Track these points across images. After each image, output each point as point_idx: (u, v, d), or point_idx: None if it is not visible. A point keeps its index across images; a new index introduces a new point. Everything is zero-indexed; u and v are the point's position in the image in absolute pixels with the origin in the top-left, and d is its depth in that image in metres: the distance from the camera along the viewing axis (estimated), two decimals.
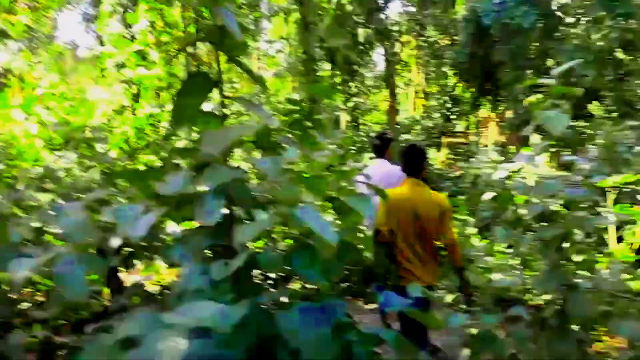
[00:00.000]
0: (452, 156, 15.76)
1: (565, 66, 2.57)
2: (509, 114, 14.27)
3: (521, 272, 2.74)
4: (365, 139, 13.76)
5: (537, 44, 12.70)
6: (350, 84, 16.24)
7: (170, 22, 9.78)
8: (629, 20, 10.66)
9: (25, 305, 2.74)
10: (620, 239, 6.96)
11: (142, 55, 8.72)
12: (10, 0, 11.60)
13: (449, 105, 16.73)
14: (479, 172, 8.87)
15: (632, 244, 6.65)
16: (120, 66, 8.78)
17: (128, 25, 10.11)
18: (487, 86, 15.19)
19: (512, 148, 16.03)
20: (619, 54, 11.28)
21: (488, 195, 9.34)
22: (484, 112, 18.27)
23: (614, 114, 11.28)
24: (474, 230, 6.16)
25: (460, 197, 8.98)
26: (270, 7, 17.98)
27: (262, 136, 1.55)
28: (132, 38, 9.79)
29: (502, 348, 2.61)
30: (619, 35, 10.57)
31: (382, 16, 16.04)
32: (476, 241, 5.85)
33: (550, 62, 12.45)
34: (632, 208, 7.14)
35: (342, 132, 13.78)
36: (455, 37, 15.63)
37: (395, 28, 17.19)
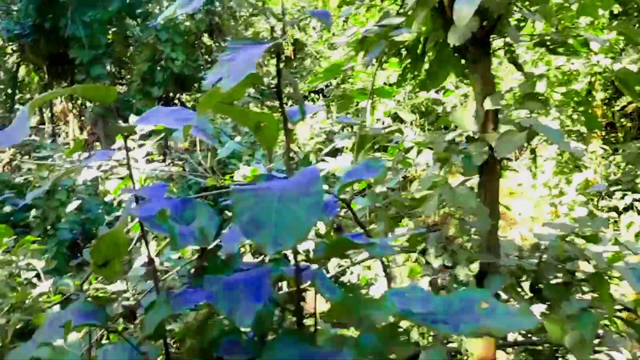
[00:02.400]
0: (20, 156, 12.40)
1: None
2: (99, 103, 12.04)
3: None
4: None
5: (118, 19, 10.95)
6: None
7: None
8: (215, 2, 10.11)
9: None
10: None
11: None
12: None
13: (10, 91, 13.15)
14: (56, 176, 6.47)
15: None
16: None
17: None
18: (61, 68, 12.53)
19: (98, 145, 13.92)
20: (206, 39, 10.71)
21: (73, 205, 7.02)
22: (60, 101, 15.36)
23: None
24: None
25: (32, 213, 6.42)
26: None
27: None
28: None
29: None
30: (205, 18, 9.88)
31: None
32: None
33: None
34: None
35: None
36: (11, 4, 12.23)
37: None
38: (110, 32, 11.33)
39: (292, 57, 13.84)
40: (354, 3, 2.61)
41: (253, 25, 12.32)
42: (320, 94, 17.18)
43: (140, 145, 4.72)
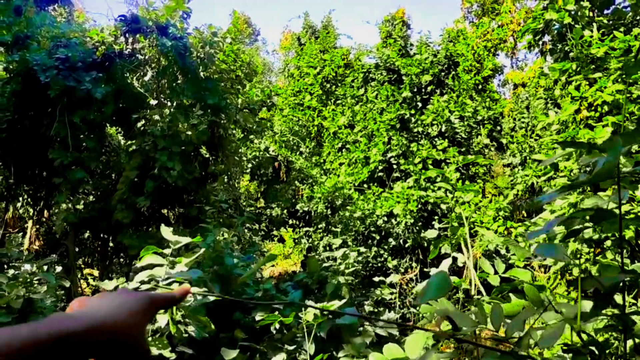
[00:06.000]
0: None
1: None
2: (62, 210, 10.85)
3: None
4: None
5: (111, 122, 10.27)
6: None
7: None
8: (219, 114, 9.64)
9: None
10: None
11: None
12: None
13: None
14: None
15: None
16: None
17: None
18: (30, 171, 11.43)
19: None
20: (203, 151, 10.07)
21: None
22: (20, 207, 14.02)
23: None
24: None
25: None
26: None
27: None
28: None
29: None
30: (208, 130, 9.32)
31: None
32: None
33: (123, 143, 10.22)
34: None
35: None
36: None
37: None
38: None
39: (285, 179, 13.33)
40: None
41: (252, 142, 11.88)
42: (301, 221, 16.51)
43: (172, 264, 3.71)
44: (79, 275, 12.31)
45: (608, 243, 6.97)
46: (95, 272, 14.35)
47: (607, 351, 2.95)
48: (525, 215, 13.38)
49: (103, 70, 9.86)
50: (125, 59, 9.86)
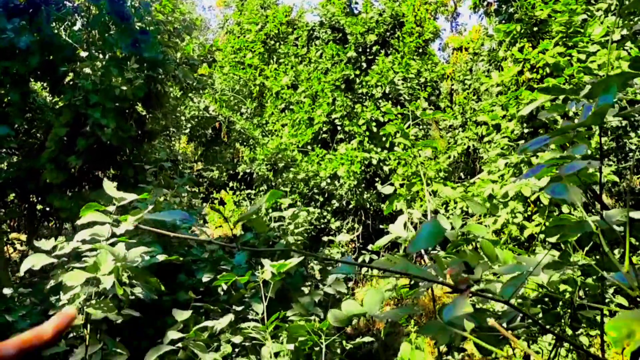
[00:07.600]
0: None
1: None
2: None
3: None
4: None
5: (37, 75, 9.52)
6: None
7: None
8: (157, 68, 9.14)
9: None
10: None
11: None
12: None
13: None
14: None
15: None
16: None
17: None
18: None
19: None
20: (140, 108, 9.58)
21: None
22: None
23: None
24: None
25: None
26: None
27: None
28: None
29: None
30: (145, 85, 8.83)
31: None
32: None
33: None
34: None
35: None
36: None
37: None
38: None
39: (226, 140, 12.97)
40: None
41: (192, 101, 11.41)
42: (242, 183, 16.23)
43: (117, 223, 3.48)
44: (4, 240, 11.57)
45: (545, 202, 7.27)
46: (23, 237, 13.58)
47: (561, 302, 3.03)
48: (462, 176, 13.77)
49: (27, 17, 9.06)
50: (52, 5, 9.09)
